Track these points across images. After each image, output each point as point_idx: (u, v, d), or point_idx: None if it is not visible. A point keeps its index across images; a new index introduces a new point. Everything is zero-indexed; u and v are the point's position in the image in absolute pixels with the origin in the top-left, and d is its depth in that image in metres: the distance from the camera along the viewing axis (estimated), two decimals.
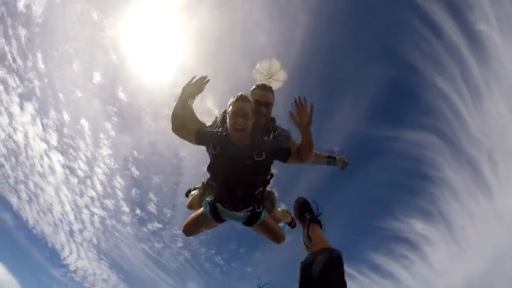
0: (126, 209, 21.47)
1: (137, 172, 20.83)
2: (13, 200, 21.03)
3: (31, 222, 21.93)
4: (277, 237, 2.68)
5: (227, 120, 2.27)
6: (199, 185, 3.13)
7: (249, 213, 2.51)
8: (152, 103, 20.41)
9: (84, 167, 20.80)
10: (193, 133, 2.33)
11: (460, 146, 15.39)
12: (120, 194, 21.36)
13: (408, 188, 17.55)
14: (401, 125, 16.84)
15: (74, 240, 22.01)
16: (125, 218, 21.62)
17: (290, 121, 2.18)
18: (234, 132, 2.22)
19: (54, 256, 22.71)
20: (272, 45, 16.93)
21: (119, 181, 21.03)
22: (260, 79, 5.14)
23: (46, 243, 22.34)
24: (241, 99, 2.25)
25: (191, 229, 2.73)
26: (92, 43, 19.25)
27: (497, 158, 14.78)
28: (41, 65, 19.16)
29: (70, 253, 22.20)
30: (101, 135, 20.60)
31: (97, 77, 19.41)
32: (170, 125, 2.31)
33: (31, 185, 21.02)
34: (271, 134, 2.45)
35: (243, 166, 2.25)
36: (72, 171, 20.89)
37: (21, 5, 17.95)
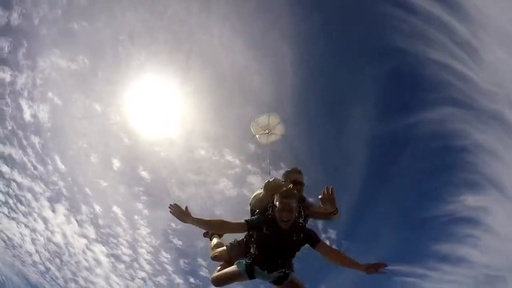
0: (179, 280, 21.35)
1: (180, 242, 20.92)
2: None
3: None
4: None
5: (276, 211, 2.80)
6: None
7: (281, 273, 3.00)
8: (175, 173, 20.99)
9: (127, 251, 21.11)
10: (244, 227, 2.91)
11: (477, 106, 14.88)
12: (169, 268, 21.35)
13: (445, 167, 16.86)
14: (415, 110, 16.52)
15: None
16: None
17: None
18: (281, 223, 2.75)
19: None
20: (266, 82, 17.52)
21: (165, 256, 21.13)
22: (258, 133, 5.34)
23: None
24: (287, 195, 2.76)
25: (222, 283, 3.17)
26: (102, 133, 20.38)
27: None
28: (61, 166, 20.24)
29: None
30: (136, 217, 21.06)
31: (116, 163, 20.28)
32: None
33: (81, 281, 21.47)
34: (302, 214, 3.14)
35: (286, 243, 2.83)
36: (117, 258, 21.22)
37: (27, 116, 19.42)
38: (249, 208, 3.36)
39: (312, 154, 18.51)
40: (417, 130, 16.63)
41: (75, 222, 20.90)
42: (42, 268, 21.32)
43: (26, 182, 20.22)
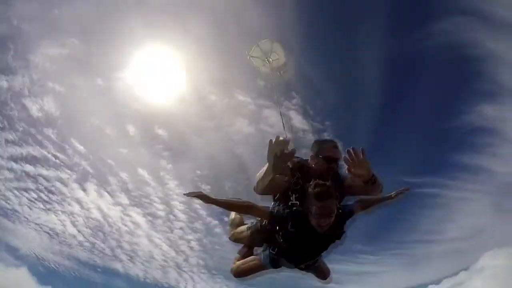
0: (215, 222, 22.76)
1: (209, 187, 21.92)
2: (117, 265, 23.51)
3: (141, 275, 24.32)
4: (325, 275, 3.01)
5: (311, 216, 2.22)
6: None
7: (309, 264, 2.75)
8: (190, 123, 21.25)
9: (161, 207, 22.28)
10: (267, 217, 2.51)
11: (489, 13, 13.89)
12: (203, 212, 22.60)
13: (460, 78, 16.31)
14: (424, 22, 15.56)
15: (184, 271, 24.04)
16: (218, 230, 23.07)
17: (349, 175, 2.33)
18: (318, 227, 2.23)
19: None
20: (265, 13, 16.45)
21: (197, 203, 22.35)
22: (257, 64, 5.14)
23: (162, 287, 24.81)
24: (324, 196, 2.15)
25: (244, 275, 2.96)
26: (111, 105, 20.30)
27: None
28: (80, 148, 20.87)
29: (186, 284, 24.26)
30: (161, 173, 21.94)
31: (131, 129, 20.64)
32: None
33: (126, 246, 23.26)
34: (338, 196, 2.40)
35: (320, 244, 2.47)
36: (153, 216, 22.53)
37: (35, 112, 19.67)
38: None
39: (325, 79, 17.90)
40: (428, 42, 15.82)
41: (107, 194, 22.21)
42: (87, 245, 22.87)
43: (51, 173, 21.11)
